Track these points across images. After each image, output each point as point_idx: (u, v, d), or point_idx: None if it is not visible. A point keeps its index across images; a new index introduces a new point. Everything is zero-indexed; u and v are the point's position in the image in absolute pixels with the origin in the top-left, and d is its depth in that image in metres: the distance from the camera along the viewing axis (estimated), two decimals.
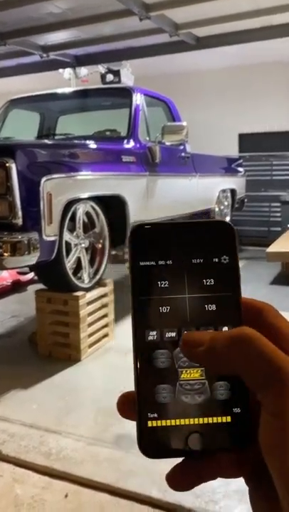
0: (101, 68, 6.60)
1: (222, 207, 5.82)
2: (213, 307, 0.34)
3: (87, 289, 3.18)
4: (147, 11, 4.66)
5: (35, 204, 2.61)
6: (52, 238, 2.73)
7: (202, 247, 0.35)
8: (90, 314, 3.16)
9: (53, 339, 3.16)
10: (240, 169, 6.57)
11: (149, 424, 0.33)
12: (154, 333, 0.34)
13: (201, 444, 0.33)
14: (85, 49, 6.09)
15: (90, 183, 3.11)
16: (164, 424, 0.33)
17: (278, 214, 7.53)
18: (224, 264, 0.35)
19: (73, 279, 3.07)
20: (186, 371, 0.34)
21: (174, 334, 0.34)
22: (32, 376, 2.86)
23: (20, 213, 2.52)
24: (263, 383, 0.30)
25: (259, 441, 0.31)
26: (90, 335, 3.18)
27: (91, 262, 3.32)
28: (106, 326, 3.39)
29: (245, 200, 6.67)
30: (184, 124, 4.10)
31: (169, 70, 7.92)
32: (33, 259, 2.61)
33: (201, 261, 0.35)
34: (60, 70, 6.73)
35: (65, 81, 6.75)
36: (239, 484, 1.69)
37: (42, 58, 6.08)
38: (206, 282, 0.35)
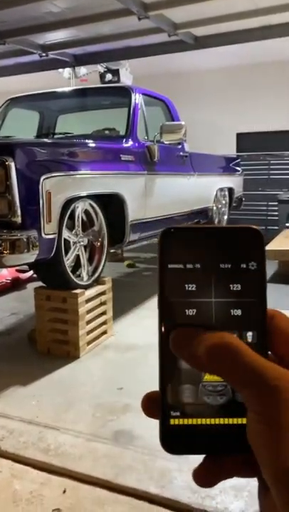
0: (100, 68, 6.62)
1: (220, 205, 5.83)
2: (239, 312, 0.35)
3: (86, 287, 3.19)
4: (146, 10, 4.68)
5: (35, 202, 2.62)
6: (51, 236, 2.74)
7: (230, 252, 0.35)
8: (88, 312, 3.17)
9: (51, 336, 3.17)
10: (238, 168, 6.58)
11: (172, 421, 0.35)
12: None
13: (220, 443, 0.35)
14: (84, 48, 6.09)
15: (89, 181, 3.12)
16: (185, 422, 0.35)
17: (275, 213, 7.56)
18: (251, 271, 0.35)
19: (72, 276, 3.08)
20: None
21: None
22: (31, 373, 2.87)
23: (19, 211, 2.53)
24: (243, 388, 0.32)
25: (248, 441, 0.32)
26: (89, 332, 3.19)
27: (90, 260, 3.33)
28: (104, 323, 3.41)
29: (243, 198, 6.69)
30: (182, 123, 4.10)
31: (168, 69, 7.94)
32: (32, 257, 2.62)
33: (229, 266, 0.35)
34: (60, 70, 6.73)
35: (64, 80, 6.76)
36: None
37: (41, 57, 6.08)
38: (233, 287, 0.35)
